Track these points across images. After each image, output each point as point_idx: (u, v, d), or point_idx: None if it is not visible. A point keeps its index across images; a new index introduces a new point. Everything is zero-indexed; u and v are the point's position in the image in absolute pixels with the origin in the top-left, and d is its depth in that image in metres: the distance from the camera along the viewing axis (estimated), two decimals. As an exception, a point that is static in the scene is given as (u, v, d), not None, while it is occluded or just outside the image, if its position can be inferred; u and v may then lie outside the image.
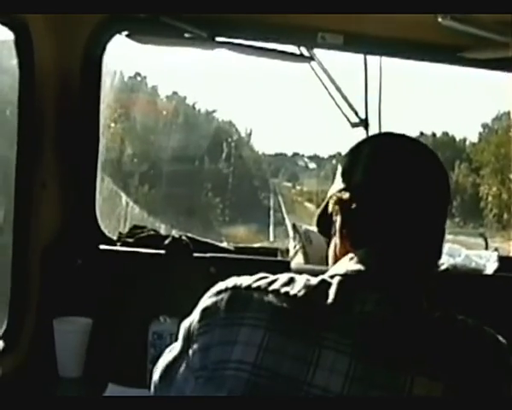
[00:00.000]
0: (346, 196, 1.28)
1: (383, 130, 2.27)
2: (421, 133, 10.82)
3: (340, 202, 1.30)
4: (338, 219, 1.31)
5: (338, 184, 1.33)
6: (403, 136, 1.37)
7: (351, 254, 1.24)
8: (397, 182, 1.26)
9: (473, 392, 1.07)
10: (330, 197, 1.34)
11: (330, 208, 1.33)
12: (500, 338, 1.14)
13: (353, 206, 1.26)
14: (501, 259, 2.30)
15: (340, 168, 1.35)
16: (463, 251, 2.31)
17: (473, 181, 11.72)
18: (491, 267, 2.27)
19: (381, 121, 2.31)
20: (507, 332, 1.16)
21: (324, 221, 1.38)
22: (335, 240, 1.33)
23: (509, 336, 1.16)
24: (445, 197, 1.32)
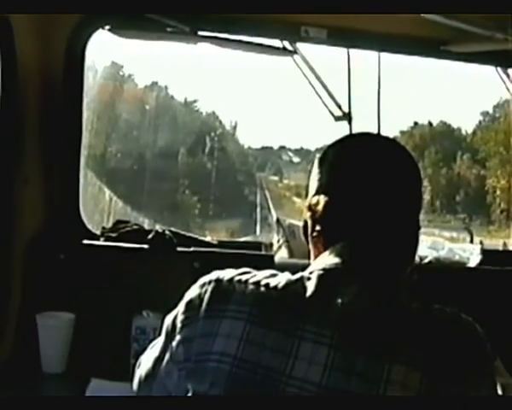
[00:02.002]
0: (314, 199, 1.40)
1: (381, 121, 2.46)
2: (416, 123, 10.63)
3: (310, 207, 1.41)
4: (309, 224, 1.44)
5: (311, 191, 1.43)
6: (369, 134, 1.54)
7: (329, 250, 1.36)
8: (365, 176, 1.37)
9: (450, 380, 1.18)
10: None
11: (304, 216, 1.45)
12: (477, 326, 1.25)
13: (324, 205, 1.38)
14: (484, 252, 2.46)
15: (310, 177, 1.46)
16: (447, 244, 2.48)
17: (477, 173, 11.48)
18: (474, 260, 2.44)
19: (380, 113, 2.45)
20: (488, 324, 1.28)
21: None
22: (309, 246, 1.45)
23: (490, 327, 1.28)
24: (417, 191, 1.43)
